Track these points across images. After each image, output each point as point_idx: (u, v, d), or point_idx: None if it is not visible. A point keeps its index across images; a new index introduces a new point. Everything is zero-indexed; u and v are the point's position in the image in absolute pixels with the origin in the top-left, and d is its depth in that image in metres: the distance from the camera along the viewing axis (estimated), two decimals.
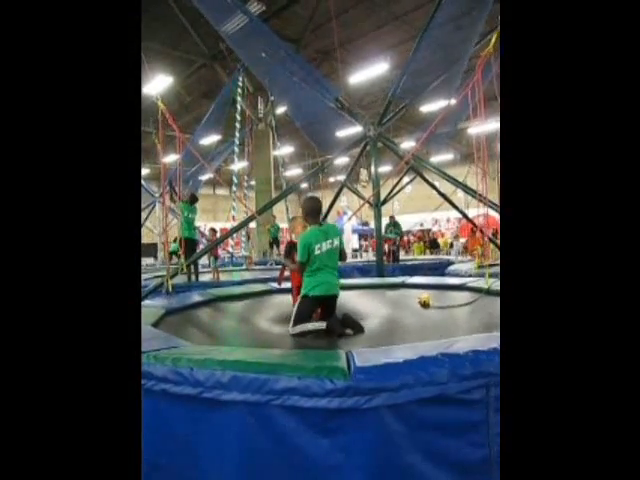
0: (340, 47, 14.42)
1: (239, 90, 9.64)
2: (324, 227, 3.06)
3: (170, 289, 4.36)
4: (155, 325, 2.79)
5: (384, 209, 7.35)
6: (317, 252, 2.92)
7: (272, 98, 12.26)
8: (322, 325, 2.84)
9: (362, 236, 21.14)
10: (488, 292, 3.77)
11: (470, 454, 1.58)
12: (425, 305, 3.66)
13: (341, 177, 12.04)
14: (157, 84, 12.76)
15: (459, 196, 7.94)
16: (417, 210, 20.41)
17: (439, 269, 7.18)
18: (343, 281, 5.10)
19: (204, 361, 1.68)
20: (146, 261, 17.16)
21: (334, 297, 3.03)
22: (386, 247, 9.40)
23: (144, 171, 21.69)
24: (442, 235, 19.43)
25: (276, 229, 12.13)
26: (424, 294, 3.79)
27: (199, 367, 1.64)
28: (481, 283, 4.14)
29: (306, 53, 14.36)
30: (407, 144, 15.19)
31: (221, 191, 29.57)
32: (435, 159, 20.98)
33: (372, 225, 10.24)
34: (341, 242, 3.08)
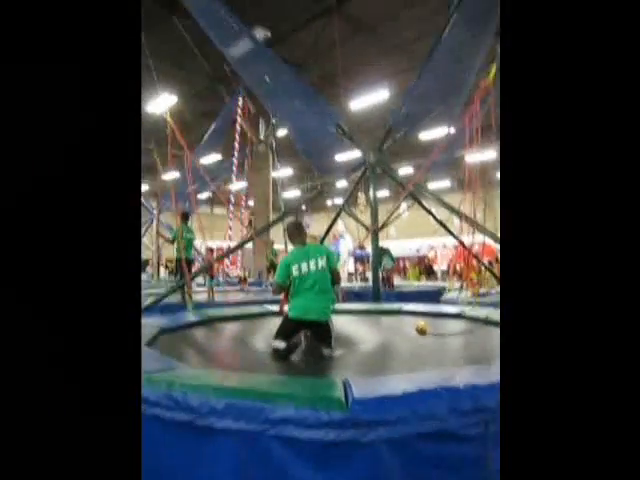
0: (342, 73, 14.76)
1: (239, 110, 9.77)
2: (306, 247, 3.02)
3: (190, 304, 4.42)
4: (149, 344, 2.74)
5: (381, 234, 7.38)
6: (295, 273, 2.89)
7: (274, 120, 12.42)
8: (281, 345, 2.79)
9: (358, 260, 21.15)
10: (486, 322, 3.76)
11: None
12: (422, 332, 3.63)
13: (339, 201, 12.14)
14: (162, 102, 12.93)
15: (455, 223, 8.01)
16: (413, 236, 20.49)
17: (434, 296, 7.15)
18: (339, 306, 5.09)
19: (198, 386, 1.65)
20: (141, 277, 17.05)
21: (314, 323, 2.89)
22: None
23: (144, 187, 21.77)
24: (435, 261, 19.49)
25: (274, 254, 12.13)
26: (421, 321, 3.77)
27: (193, 392, 1.60)
28: (478, 312, 4.12)
29: (308, 78, 14.65)
30: (405, 170, 15.36)
31: (218, 210, 29.64)
32: (432, 186, 21.22)
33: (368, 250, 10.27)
34: (330, 261, 2.98)
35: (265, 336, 3.63)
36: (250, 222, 11.17)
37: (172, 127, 5.05)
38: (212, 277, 7.31)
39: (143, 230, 11.90)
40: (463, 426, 1.53)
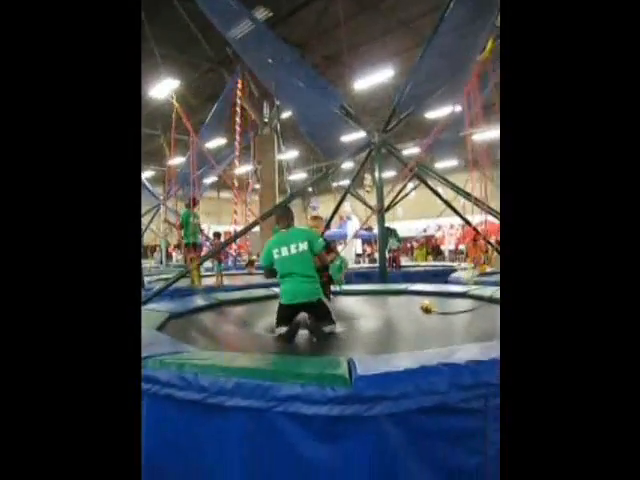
0: (346, 53, 14.56)
1: (238, 92, 9.71)
2: (288, 232, 3.07)
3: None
4: (159, 329, 2.82)
5: (388, 215, 7.39)
6: (276, 256, 2.96)
7: (277, 102, 12.32)
8: (282, 330, 2.89)
9: (366, 242, 21.14)
10: (490, 300, 3.80)
11: (466, 460, 1.61)
12: (427, 311, 3.68)
13: (346, 182, 12.12)
14: (164, 87, 12.90)
15: (462, 203, 7.99)
16: (420, 216, 20.40)
17: (441, 276, 7.18)
18: (347, 287, 5.16)
19: (208, 367, 1.72)
20: (149, 263, 17.28)
21: (303, 305, 2.94)
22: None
23: (149, 173, 21.86)
24: (443, 242, 19.42)
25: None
26: (426, 301, 3.82)
27: (203, 373, 1.67)
28: (484, 291, 4.16)
29: (312, 58, 14.45)
30: (411, 150, 15.23)
31: (225, 194, 29.69)
32: (439, 165, 21.06)
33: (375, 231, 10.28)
34: (312, 245, 2.99)
35: (271, 318, 3.70)
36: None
37: (179, 111, 5.05)
38: (220, 262, 7.39)
39: (151, 217, 12.00)
40: (463, 400, 1.59)
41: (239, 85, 10.33)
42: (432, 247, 18.47)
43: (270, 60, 6.55)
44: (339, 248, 22.84)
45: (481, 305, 3.73)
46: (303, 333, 2.96)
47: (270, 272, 3.14)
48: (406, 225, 22.35)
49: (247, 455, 1.60)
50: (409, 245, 19.69)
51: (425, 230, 19.62)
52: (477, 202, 4.22)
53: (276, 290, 4.82)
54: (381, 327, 3.30)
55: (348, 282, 6.94)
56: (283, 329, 2.90)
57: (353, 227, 19.92)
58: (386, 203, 7.64)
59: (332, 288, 4.95)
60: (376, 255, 10.73)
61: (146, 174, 19.14)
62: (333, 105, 6.67)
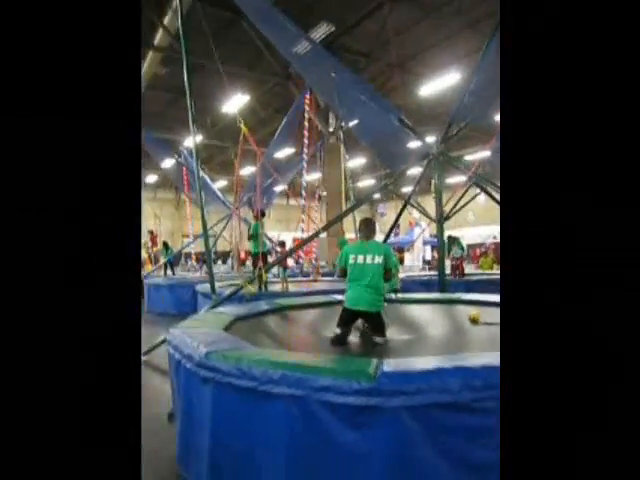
0: (411, 59, 14.61)
1: (306, 106, 10.22)
2: (368, 243, 3.34)
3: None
4: (226, 329, 3.26)
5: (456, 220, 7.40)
6: (351, 261, 3.23)
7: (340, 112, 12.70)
8: (337, 330, 3.19)
9: (434, 248, 20.87)
10: None
11: (479, 455, 1.82)
12: (474, 321, 3.81)
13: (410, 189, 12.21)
14: (235, 102, 13.84)
15: None
16: (492, 221, 19.79)
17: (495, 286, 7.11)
18: (402, 295, 5.37)
19: (260, 360, 2.08)
20: (220, 268, 18.36)
21: (362, 313, 3.18)
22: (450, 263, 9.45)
23: (222, 183, 23.26)
24: None
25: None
26: (473, 311, 3.95)
27: (256, 365, 2.04)
28: None
29: (376, 66, 14.71)
30: (476, 156, 14.90)
31: (294, 202, 30.70)
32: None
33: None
34: (387, 262, 3.24)
35: (328, 323, 4.04)
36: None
37: (245, 132, 5.57)
38: (285, 268, 7.87)
39: (223, 225, 12.93)
40: (475, 400, 1.80)
41: (307, 99, 10.88)
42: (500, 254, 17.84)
43: (333, 74, 6.93)
44: (406, 254, 22.55)
45: None
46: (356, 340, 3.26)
47: (343, 273, 3.40)
48: (477, 231, 21.69)
49: (289, 435, 1.94)
50: (478, 252, 19.16)
51: (495, 237, 19.01)
52: None
53: (336, 297, 5.17)
54: (424, 336, 3.50)
55: (407, 290, 7.14)
56: (338, 330, 3.21)
57: (421, 233, 19.81)
58: (448, 212, 7.72)
59: (387, 296, 5.20)
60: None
61: (219, 184, 20.38)
62: (393, 117, 6.91)
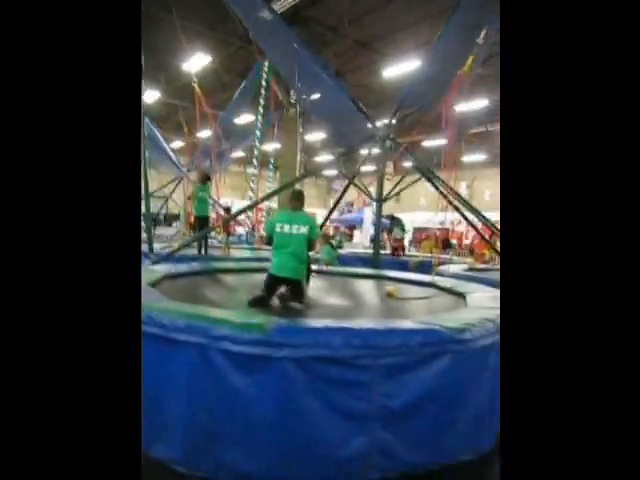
0: (379, 39, 14.66)
1: (264, 74, 10.17)
2: (295, 213, 3.52)
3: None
4: (152, 285, 3.41)
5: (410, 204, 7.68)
6: (278, 230, 3.40)
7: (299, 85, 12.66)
8: (257, 293, 3.41)
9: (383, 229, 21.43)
10: (450, 291, 4.26)
11: (354, 405, 2.12)
12: (391, 296, 4.16)
13: (371, 167, 12.46)
14: (196, 62, 13.44)
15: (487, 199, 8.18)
16: (443, 209, 20.51)
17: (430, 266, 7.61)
18: (339, 268, 5.67)
19: (169, 310, 2.28)
20: (169, 231, 18.14)
21: (285, 279, 3.38)
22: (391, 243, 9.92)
23: (177, 144, 22.63)
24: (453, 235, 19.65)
25: None
26: (392, 286, 4.30)
27: (164, 315, 2.24)
28: (447, 282, 4.61)
29: (343, 43, 14.67)
30: (434, 142, 15.37)
31: (252, 169, 30.25)
32: (468, 159, 21.11)
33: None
34: (311, 232, 3.42)
35: (253, 287, 4.25)
36: None
37: (199, 95, 5.58)
38: (228, 234, 7.99)
39: (173, 186, 12.73)
40: (353, 357, 2.09)
41: (266, 66, 10.77)
42: (442, 240, 18.71)
43: (295, 45, 6.93)
44: (356, 232, 23.02)
45: (437, 294, 4.19)
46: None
47: (269, 240, 3.58)
48: (427, 216, 22.49)
49: (191, 378, 2.16)
50: (424, 236, 19.96)
51: (442, 223, 19.82)
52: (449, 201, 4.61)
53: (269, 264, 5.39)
54: (340, 304, 3.79)
55: (346, 264, 7.48)
56: (257, 293, 3.42)
57: (372, 213, 20.31)
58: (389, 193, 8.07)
59: (318, 267, 5.48)
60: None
61: (173, 145, 19.84)
62: (347, 97, 7.08)
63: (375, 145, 6.95)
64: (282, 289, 3.58)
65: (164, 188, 12.45)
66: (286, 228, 3.41)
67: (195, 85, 6.32)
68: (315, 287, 4.30)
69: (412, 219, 22.18)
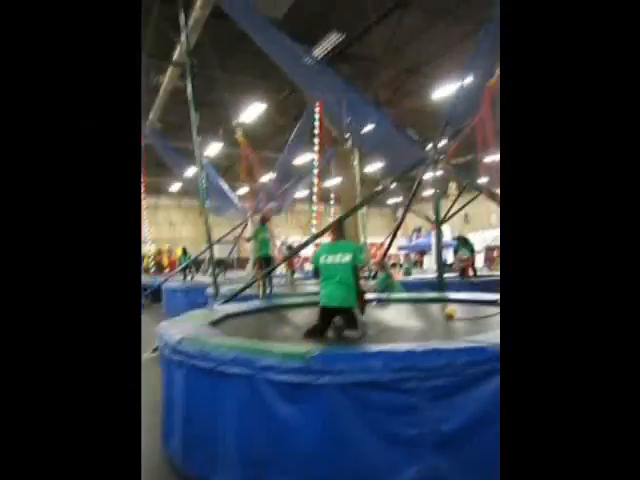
0: (424, 64, 14.74)
1: (316, 114, 10.57)
2: (337, 243, 3.62)
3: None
4: (213, 324, 3.60)
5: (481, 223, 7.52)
6: (322, 261, 3.50)
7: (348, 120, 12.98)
8: (311, 326, 3.45)
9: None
10: None
11: (403, 430, 2.08)
12: (449, 317, 4.03)
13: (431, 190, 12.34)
14: (252, 111, 14.36)
15: None
16: None
17: (496, 286, 7.24)
18: (401, 295, 5.63)
19: (219, 345, 2.42)
20: (242, 274, 18.94)
21: (336, 309, 3.41)
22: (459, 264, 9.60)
23: (245, 189, 23.88)
24: None
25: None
26: (450, 308, 4.17)
27: (215, 349, 2.38)
28: None
29: (389, 73, 14.91)
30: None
31: (318, 207, 30.89)
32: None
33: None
34: (355, 259, 3.44)
35: (313, 320, 4.31)
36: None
37: (243, 144, 5.96)
38: (293, 271, 8.21)
39: (239, 231, 13.42)
40: (396, 380, 2.06)
41: (318, 106, 11.22)
42: None
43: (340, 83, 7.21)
44: (426, 257, 22.43)
45: (498, 312, 3.99)
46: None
47: (317, 273, 3.71)
48: (498, 234, 21.40)
49: (239, 408, 2.26)
50: (496, 254, 19.03)
51: None
52: None
53: None
54: (396, 330, 3.74)
55: (411, 290, 7.35)
56: (312, 325, 3.49)
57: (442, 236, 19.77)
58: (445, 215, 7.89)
59: (375, 296, 5.46)
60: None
61: (241, 191, 20.98)
62: (391, 124, 7.20)
63: (427, 168, 6.93)
64: (336, 319, 3.62)
65: (230, 233, 13.12)
66: (330, 259, 3.49)
67: (239, 135, 6.73)
68: (373, 315, 4.28)
69: (484, 238, 21.27)
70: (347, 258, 3.45)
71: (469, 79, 5.76)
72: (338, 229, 3.77)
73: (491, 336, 2.44)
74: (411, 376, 2.08)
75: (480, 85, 5.51)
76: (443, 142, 6.80)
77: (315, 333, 3.44)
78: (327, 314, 3.51)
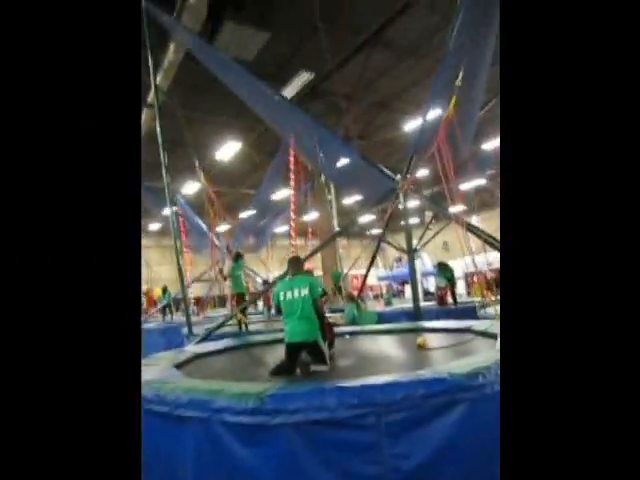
0: (394, 98, 15.24)
1: (291, 150, 10.75)
2: (293, 279, 3.61)
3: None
4: (177, 367, 3.51)
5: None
6: (281, 298, 3.49)
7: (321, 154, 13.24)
8: (278, 364, 3.41)
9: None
10: (483, 334, 4.05)
11: (364, 469, 2.02)
12: (421, 347, 4.01)
13: (411, 220, 12.53)
14: (228, 149, 14.53)
15: None
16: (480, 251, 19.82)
17: (471, 312, 7.34)
18: (375, 327, 5.60)
19: (175, 388, 2.35)
20: (223, 311, 18.72)
21: (300, 344, 3.39)
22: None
23: (225, 227, 23.89)
24: None
25: (336, 277, 12.72)
26: (421, 338, 4.16)
27: (171, 392, 2.32)
28: (483, 325, 4.40)
29: (361, 107, 15.35)
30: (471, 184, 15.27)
31: (299, 242, 30.95)
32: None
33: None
34: (313, 291, 3.44)
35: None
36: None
37: (205, 184, 6.03)
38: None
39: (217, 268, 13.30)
40: (353, 417, 2.02)
41: (292, 142, 11.44)
42: (489, 282, 17.84)
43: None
44: (407, 287, 22.42)
45: (471, 339, 4.00)
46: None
47: (278, 310, 3.67)
48: (477, 260, 21.66)
49: (196, 452, 2.17)
50: (476, 280, 19.17)
51: (490, 264, 19.08)
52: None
53: None
54: (365, 362, 3.70)
55: (389, 321, 7.32)
56: (278, 363, 3.43)
57: (422, 265, 19.85)
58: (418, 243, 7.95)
59: (350, 329, 5.43)
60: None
61: (221, 228, 20.95)
62: (358, 157, 7.36)
63: (397, 198, 7.05)
64: (302, 355, 3.56)
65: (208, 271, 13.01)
66: (289, 294, 3.48)
67: (201, 178, 6.81)
68: (344, 348, 4.24)
69: (464, 264, 21.42)
70: (305, 292, 3.45)
71: (431, 111, 5.97)
72: (293, 265, 3.77)
73: (455, 365, 2.43)
74: (368, 412, 2.04)
75: (440, 115, 5.73)
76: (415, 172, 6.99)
77: (282, 371, 3.38)
78: (293, 350, 3.46)
